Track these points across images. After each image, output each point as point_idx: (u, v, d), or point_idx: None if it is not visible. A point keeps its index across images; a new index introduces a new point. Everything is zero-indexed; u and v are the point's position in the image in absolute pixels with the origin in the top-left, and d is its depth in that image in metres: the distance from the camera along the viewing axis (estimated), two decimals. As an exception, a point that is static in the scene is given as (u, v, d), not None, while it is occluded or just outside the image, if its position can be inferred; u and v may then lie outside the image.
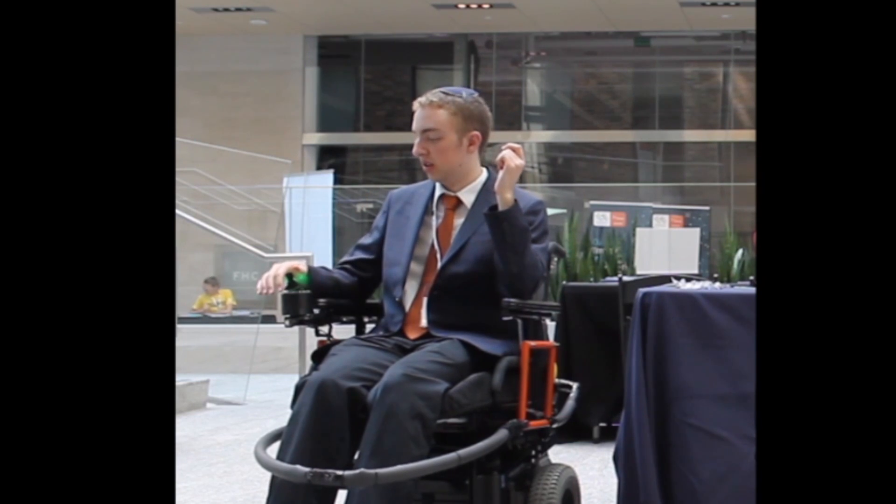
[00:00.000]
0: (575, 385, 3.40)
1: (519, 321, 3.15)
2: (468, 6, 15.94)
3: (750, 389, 3.19)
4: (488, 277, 3.22)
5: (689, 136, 17.69)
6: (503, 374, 3.11)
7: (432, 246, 3.31)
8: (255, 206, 15.71)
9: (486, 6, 15.95)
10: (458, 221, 3.33)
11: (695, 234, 9.02)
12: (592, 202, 14.89)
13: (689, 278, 4.09)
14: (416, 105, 3.32)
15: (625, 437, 3.61)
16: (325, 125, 17.56)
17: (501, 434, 3.01)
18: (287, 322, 3.26)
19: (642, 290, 3.68)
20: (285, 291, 3.21)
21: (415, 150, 3.32)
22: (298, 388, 3.03)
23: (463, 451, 2.88)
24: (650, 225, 12.77)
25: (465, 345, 3.15)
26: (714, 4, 15.44)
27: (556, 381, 3.35)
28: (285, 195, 14.73)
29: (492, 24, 16.84)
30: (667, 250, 8.35)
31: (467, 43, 17.88)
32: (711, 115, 17.78)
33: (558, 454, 5.55)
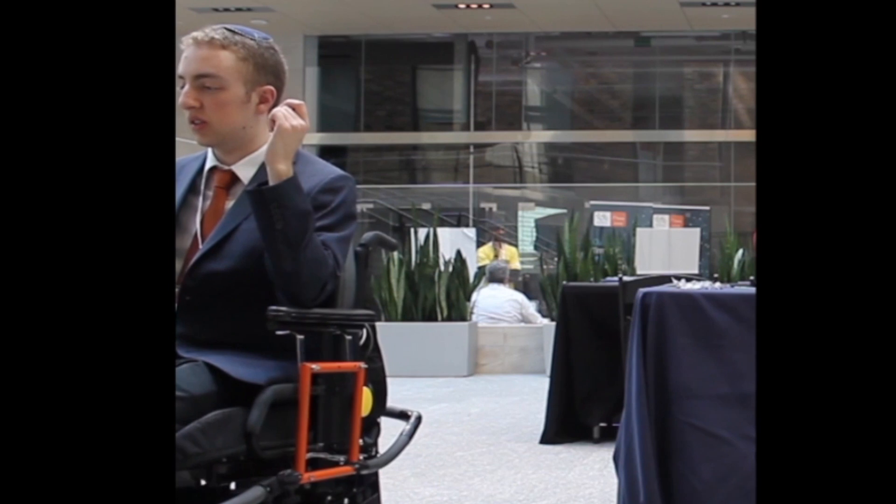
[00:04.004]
0: (415, 414, 2.68)
1: (298, 337, 2.37)
2: (468, 6, 15.93)
3: (750, 389, 3.20)
4: (262, 277, 2.45)
5: (690, 136, 17.69)
6: (263, 408, 2.31)
7: (195, 236, 2.53)
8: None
9: (486, 6, 15.95)
10: (230, 204, 2.55)
11: (695, 234, 9.03)
12: (593, 202, 14.92)
13: (689, 278, 4.09)
14: (187, 41, 2.54)
15: (625, 437, 3.61)
16: (325, 125, 17.56)
17: (251, 494, 2.26)
18: None
19: (642, 290, 3.68)
20: None
21: (181, 100, 2.50)
22: None
23: None
24: (650, 225, 12.79)
25: (212, 370, 2.36)
26: (714, 4, 15.43)
27: (393, 409, 2.67)
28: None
29: (492, 24, 16.84)
30: (667, 250, 8.36)
31: (467, 43, 17.88)
32: (711, 115, 17.78)
33: (559, 454, 5.57)
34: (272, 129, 2.48)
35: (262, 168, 2.52)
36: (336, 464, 2.42)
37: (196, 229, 2.52)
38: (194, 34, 2.53)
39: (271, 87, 2.57)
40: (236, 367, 2.37)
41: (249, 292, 2.45)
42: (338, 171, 2.57)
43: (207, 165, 2.59)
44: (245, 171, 2.56)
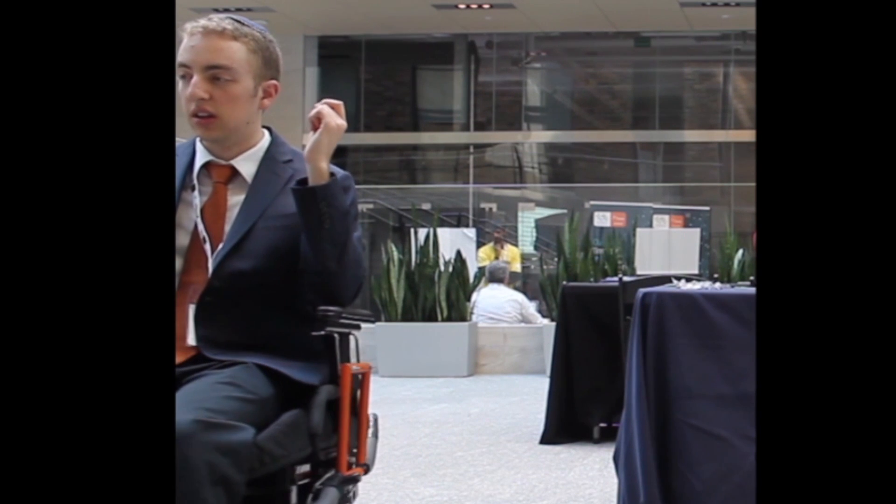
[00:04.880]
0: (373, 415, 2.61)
1: (336, 337, 2.41)
2: (468, 6, 15.93)
3: (750, 389, 3.20)
4: (285, 276, 2.42)
5: (690, 136, 17.68)
6: (322, 410, 2.34)
7: (195, 233, 2.43)
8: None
9: (486, 6, 15.95)
10: (236, 199, 2.47)
11: (695, 234, 9.02)
12: (593, 202, 14.92)
13: (689, 278, 4.09)
14: (192, 29, 2.42)
15: (625, 437, 3.61)
16: (325, 125, 17.52)
17: (332, 495, 2.32)
18: None
19: (642, 290, 3.68)
20: None
21: (189, 91, 2.39)
22: None
23: None
24: (650, 225, 12.79)
25: (265, 371, 2.34)
26: (714, 4, 15.43)
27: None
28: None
29: (492, 24, 16.83)
30: (667, 250, 8.35)
31: (467, 43, 17.87)
32: (711, 115, 17.77)
33: (559, 454, 5.57)
34: (315, 128, 2.43)
35: (263, 163, 2.50)
36: (358, 465, 2.45)
37: (197, 226, 2.43)
38: (202, 22, 2.40)
39: (275, 82, 2.51)
40: (287, 368, 2.35)
41: (272, 293, 2.41)
42: (341, 170, 2.54)
43: (199, 160, 2.48)
44: (246, 166, 2.49)
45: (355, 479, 2.47)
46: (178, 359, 2.32)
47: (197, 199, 2.45)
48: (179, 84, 2.43)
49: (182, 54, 2.41)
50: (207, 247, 2.41)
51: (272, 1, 15.19)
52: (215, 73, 2.40)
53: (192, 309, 2.37)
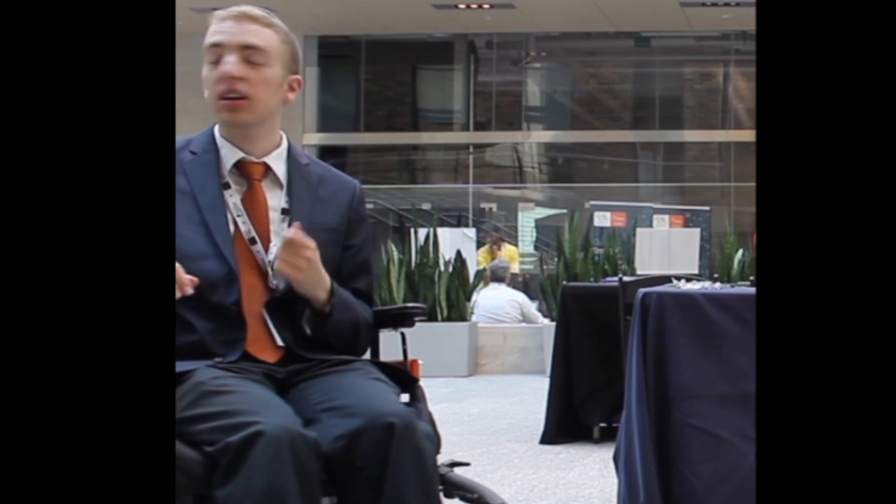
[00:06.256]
0: None
1: (402, 334, 2.61)
2: (468, 6, 15.93)
3: (750, 389, 3.20)
4: (334, 277, 2.43)
5: (690, 136, 17.69)
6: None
7: (238, 232, 2.37)
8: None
9: (486, 6, 15.95)
10: (277, 199, 2.42)
11: (695, 234, 9.02)
12: (593, 202, 14.91)
13: (689, 278, 4.09)
14: (223, 15, 2.38)
15: (625, 437, 3.61)
16: (325, 125, 17.56)
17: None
18: None
19: (642, 290, 3.68)
20: None
21: (223, 69, 2.32)
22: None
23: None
24: (650, 225, 12.79)
25: (382, 368, 2.44)
26: (714, 4, 15.44)
27: None
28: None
29: (492, 24, 16.84)
30: (667, 250, 8.35)
31: (467, 43, 17.87)
32: (711, 115, 17.78)
33: (559, 454, 5.57)
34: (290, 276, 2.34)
35: (289, 164, 2.45)
36: None
37: (240, 226, 2.36)
38: (235, 8, 2.37)
39: (299, 77, 2.47)
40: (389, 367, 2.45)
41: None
42: (352, 179, 2.56)
43: (230, 157, 2.40)
44: (278, 165, 2.44)
45: None
46: (271, 359, 2.33)
47: (236, 198, 2.39)
48: (205, 69, 2.37)
49: (213, 36, 2.36)
50: (259, 247, 2.36)
51: (272, 1, 15.18)
52: (250, 55, 2.35)
53: (264, 310, 2.35)
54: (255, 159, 2.42)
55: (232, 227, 2.37)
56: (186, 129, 2.49)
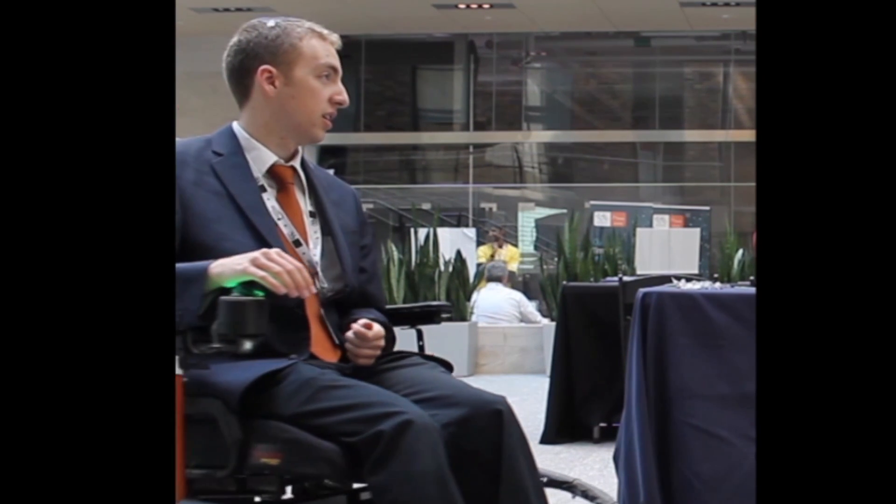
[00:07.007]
0: None
1: (416, 330, 2.70)
2: (468, 6, 15.94)
3: (750, 389, 3.20)
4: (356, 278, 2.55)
5: (690, 136, 17.69)
6: None
7: (281, 234, 2.40)
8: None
9: (486, 6, 15.95)
10: (304, 202, 2.49)
11: (695, 234, 9.02)
12: (593, 202, 14.91)
13: (689, 278, 4.09)
14: (326, 35, 2.49)
15: (625, 437, 3.61)
16: (325, 125, 17.52)
17: None
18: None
19: (642, 290, 3.68)
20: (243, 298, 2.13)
21: (341, 96, 2.48)
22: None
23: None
24: (650, 225, 12.79)
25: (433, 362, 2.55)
26: (714, 4, 15.44)
27: None
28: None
29: (492, 24, 16.84)
30: (667, 250, 8.35)
31: (467, 43, 17.88)
32: (711, 115, 17.78)
33: (559, 454, 5.57)
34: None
35: (303, 166, 2.54)
36: None
37: (282, 228, 2.40)
38: (321, 29, 2.48)
39: None
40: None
41: (355, 294, 2.53)
42: (347, 185, 2.67)
43: (266, 161, 2.44)
44: (301, 170, 2.54)
45: None
46: (332, 358, 2.41)
47: (273, 201, 2.44)
48: (313, 81, 2.45)
49: (329, 58, 2.47)
50: (304, 248, 2.41)
51: (272, 1, 15.19)
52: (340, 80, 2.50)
53: (321, 311, 2.42)
54: (283, 162, 2.48)
55: (265, 227, 2.40)
56: (186, 129, 2.49)
